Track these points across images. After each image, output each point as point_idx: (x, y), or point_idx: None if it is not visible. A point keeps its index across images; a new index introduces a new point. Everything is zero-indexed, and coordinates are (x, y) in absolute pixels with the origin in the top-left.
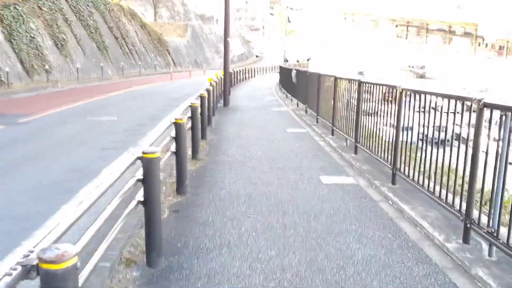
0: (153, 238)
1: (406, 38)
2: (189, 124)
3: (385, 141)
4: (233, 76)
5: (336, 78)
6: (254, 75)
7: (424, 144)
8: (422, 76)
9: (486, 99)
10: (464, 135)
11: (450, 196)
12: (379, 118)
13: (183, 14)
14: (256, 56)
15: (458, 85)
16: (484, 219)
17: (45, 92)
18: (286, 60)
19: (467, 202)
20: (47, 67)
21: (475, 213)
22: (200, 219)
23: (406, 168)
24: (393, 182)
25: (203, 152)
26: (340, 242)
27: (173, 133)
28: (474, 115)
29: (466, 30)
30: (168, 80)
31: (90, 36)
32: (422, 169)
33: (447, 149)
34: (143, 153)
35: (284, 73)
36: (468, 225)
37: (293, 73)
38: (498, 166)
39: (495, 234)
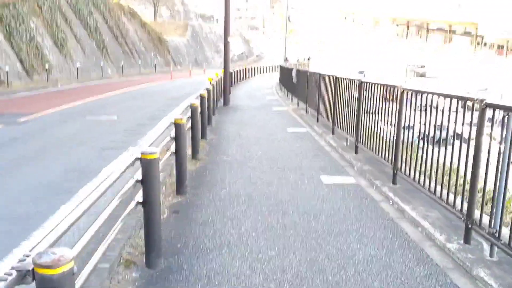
0: (153, 239)
1: (406, 38)
2: (189, 124)
3: (385, 141)
4: (233, 75)
5: (336, 78)
6: (254, 75)
7: (425, 144)
8: (422, 75)
9: (488, 99)
10: (465, 134)
11: (451, 196)
12: (379, 117)
13: (183, 13)
14: (256, 55)
15: (458, 85)
16: (485, 219)
17: (44, 91)
18: (286, 60)
19: (469, 202)
20: (47, 66)
21: (476, 213)
22: (200, 219)
23: (407, 168)
24: (394, 182)
25: (203, 151)
26: (341, 242)
27: (172, 133)
28: (471, 115)
29: (467, 30)
30: (168, 80)
31: (90, 36)
32: (423, 169)
33: (449, 149)
34: (142, 154)
35: (285, 72)
36: (469, 226)
37: (294, 72)
38: (500, 166)
39: (496, 235)
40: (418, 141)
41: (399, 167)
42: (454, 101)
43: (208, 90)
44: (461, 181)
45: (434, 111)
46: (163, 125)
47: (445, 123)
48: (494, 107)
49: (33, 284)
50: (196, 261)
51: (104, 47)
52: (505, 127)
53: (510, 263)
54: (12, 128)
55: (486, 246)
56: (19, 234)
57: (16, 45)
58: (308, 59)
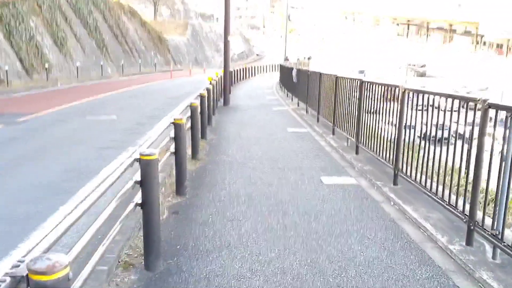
0: (152, 241)
1: (407, 37)
2: (189, 124)
3: (386, 141)
4: (233, 75)
5: (337, 77)
6: (255, 74)
7: (427, 144)
8: (422, 75)
9: (491, 99)
10: (467, 135)
11: (453, 197)
12: (380, 117)
13: (183, 12)
14: (257, 54)
15: (458, 84)
16: (488, 221)
17: (44, 90)
18: (286, 59)
19: (471, 204)
20: (46, 65)
21: (478, 214)
22: (199, 220)
23: (408, 169)
24: (395, 183)
25: (203, 152)
26: (342, 243)
27: (172, 134)
28: (471, 115)
29: (467, 29)
30: (168, 79)
31: (90, 35)
32: (424, 169)
33: (450, 149)
34: (141, 155)
35: (285, 72)
36: (472, 227)
37: (294, 72)
38: (502, 166)
39: (499, 237)
40: (420, 141)
41: (400, 167)
42: (456, 101)
43: (208, 89)
44: (463, 182)
45: (435, 111)
46: (163, 125)
47: (447, 123)
48: (497, 107)
49: None
50: (195, 263)
51: (104, 46)
52: (508, 127)
53: None
54: (11, 128)
55: (488, 248)
56: (18, 234)
57: (16, 44)
58: (309, 58)
